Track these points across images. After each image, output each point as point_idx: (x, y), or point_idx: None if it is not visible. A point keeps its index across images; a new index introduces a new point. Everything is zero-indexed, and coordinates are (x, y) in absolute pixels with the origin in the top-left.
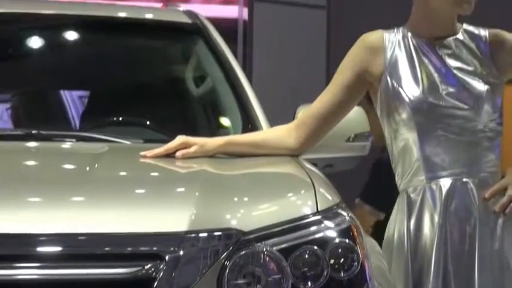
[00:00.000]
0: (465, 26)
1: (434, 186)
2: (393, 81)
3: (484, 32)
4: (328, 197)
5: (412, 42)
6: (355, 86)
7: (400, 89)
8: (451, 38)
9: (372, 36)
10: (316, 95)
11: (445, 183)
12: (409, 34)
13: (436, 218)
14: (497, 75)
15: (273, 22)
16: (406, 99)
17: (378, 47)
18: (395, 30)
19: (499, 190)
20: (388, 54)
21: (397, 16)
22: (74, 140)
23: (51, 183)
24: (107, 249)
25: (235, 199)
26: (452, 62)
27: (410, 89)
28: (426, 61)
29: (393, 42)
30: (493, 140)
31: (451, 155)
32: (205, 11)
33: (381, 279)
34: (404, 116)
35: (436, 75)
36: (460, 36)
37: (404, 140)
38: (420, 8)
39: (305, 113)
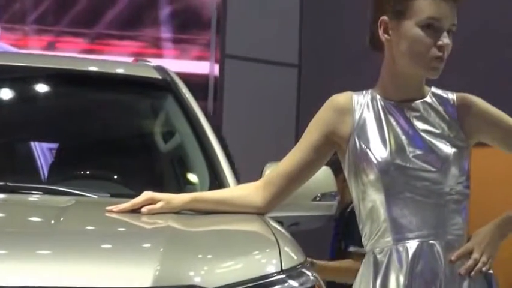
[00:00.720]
0: (433, 89)
1: (401, 248)
2: (361, 143)
3: (452, 96)
4: (292, 256)
5: (381, 104)
6: (323, 146)
7: (367, 150)
8: (419, 101)
9: (340, 98)
10: (285, 153)
11: (412, 245)
12: (378, 96)
13: (402, 280)
14: (464, 138)
15: (244, 79)
16: (374, 160)
17: (347, 108)
18: (364, 92)
19: (464, 253)
20: (357, 116)
21: (367, 77)
22: (40, 192)
23: (16, 236)
24: None
25: (200, 256)
26: (420, 125)
27: (378, 151)
28: (394, 123)
29: (362, 104)
30: (460, 203)
31: (418, 217)
32: (177, 66)
33: None
34: (371, 177)
35: (403, 137)
36: (428, 99)
37: (372, 201)
38: (389, 71)
39: (272, 171)
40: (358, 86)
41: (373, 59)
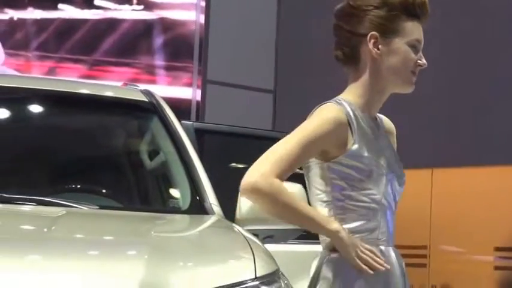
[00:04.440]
0: None
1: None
2: (360, 151)
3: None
4: (265, 264)
5: (360, 116)
6: (317, 154)
7: (366, 158)
8: (377, 119)
9: (335, 112)
10: None
11: (382, 248)
12: (355, 108)
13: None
14: None
15: (224, 103)
16: (371, 167)
17: (345, 121)
18: (342, 103)
19: None
20: (354, 126)
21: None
22: (34, 203)
23: (10, 242)
24: None
25: (181, 263)
26: (387, 139)
27: (374, 159)
28: (376, 135)
29: (351, 115)
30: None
31: (386, 223)
32: (166, 92)
33: None
34: (364, 184)
35: (385, 149)
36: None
37: (359, 206)
38: (370, 85)
39: (287, 167)
40: None
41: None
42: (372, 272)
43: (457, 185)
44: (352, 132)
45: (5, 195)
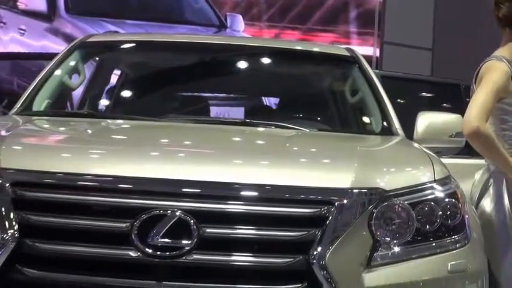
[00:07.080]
0: None
1: None
2: None
3: None
4: (441, 170)
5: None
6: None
7: None
8: None
9: (505, 66)
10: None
11: None
12: (508, 60)
13: None
14: None
15: (395, 58)
16: None
17: (510, 72)
18: (502, 59)
19: None
20: None
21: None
22: (273, 126)
23: (259, 151)
24: (298, 196)
25: (384, 169)
26: None
27: None
28: None
29: (510, 68)
30: None
31: None
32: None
33: (475, 227)
34: None
35: None
36: None
37: None
38: None
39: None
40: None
41: (498, 38)
42: None
43: None
44: None
45: (253, 121)
